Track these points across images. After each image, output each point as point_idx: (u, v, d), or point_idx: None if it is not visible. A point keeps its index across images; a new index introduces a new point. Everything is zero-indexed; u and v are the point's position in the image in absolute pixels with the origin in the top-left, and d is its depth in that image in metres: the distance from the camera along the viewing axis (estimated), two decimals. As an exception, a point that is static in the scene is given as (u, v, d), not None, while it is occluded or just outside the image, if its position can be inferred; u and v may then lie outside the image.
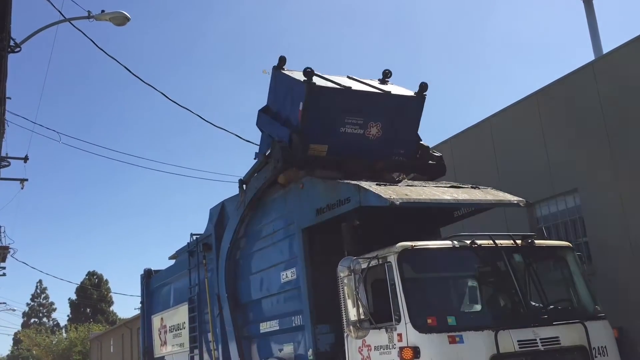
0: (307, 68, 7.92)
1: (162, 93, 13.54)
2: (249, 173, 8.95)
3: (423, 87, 8.53)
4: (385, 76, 9.03)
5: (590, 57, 12.61)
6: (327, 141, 8.08)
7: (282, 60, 8.62)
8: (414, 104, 8.61)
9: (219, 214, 9.68)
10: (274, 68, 8.70)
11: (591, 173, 10.70)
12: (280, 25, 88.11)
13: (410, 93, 8.63)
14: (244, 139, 14.68)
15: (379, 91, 8.48)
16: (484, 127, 12.88)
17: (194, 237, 10.69)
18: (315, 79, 8.02)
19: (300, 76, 8.11)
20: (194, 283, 10.44)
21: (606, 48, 12.51)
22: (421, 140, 8.90)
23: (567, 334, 6.44)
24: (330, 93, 8.03)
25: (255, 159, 9.00)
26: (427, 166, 8.72)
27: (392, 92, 8.54)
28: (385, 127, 8.33)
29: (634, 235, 10.00)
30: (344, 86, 8.25)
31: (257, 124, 9.04)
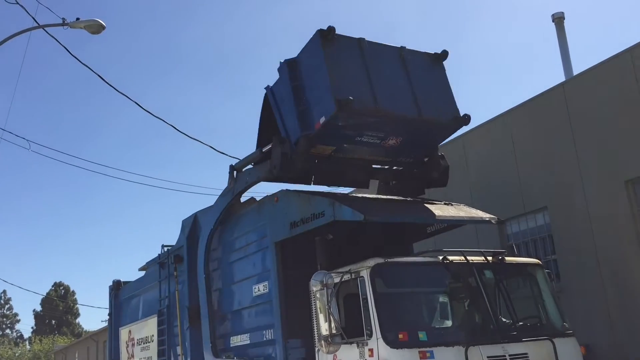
0: (343, 98, 6.79)
1: (135, 102, 13.40)
2: (242, 161, 8.50)
3: (466, 119, 7.76)
4: (443, 57, 8.03)
5: (561, 77, 12.90)
6: (336, 144, 7.63)
7: (331, 31, 7.20)
8: (446, 130, 8.06)
9: (192, 226, 9.61)
10: (320, 34, 7.20)
11: (561, 192, 10.90)
12: (259, 38, 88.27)
13: (448, 117, 7.74)
14: (217, 151, 14.62)
15: (414, 117, 7.50)
16: (457, 144, 13.05)
17: (165, 249, 10.59)
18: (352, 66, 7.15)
19: (350, 44, 7.25)
20: (164, 295, 10.33)
21: (576, 69, 12.85)
22: (438, 151, 8.38)
23: (536, 351, 6.53)
24: (361, 115, 7.18)
25: (265, 88, 8.01)
26: (427, 176, 8.37)
27: (427, 120, 7.62)
28: (405, 141, 7.81)
29: (602, 253, 10.20)
30: (379, 109, 7.19)
31: (278, 70, 7.80)
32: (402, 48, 7.81)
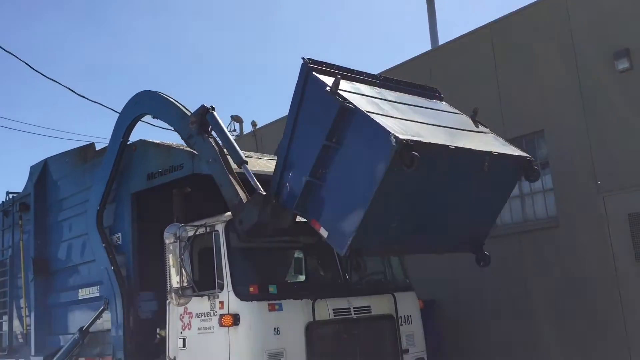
0: (359, 248, 5.71)
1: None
2: (217, 127, 6.91)
3: (484, 260, 6.90)
4: (531, 176, 6.71)
5: (427, 47, 13.76)
6: None
7: (412, 158, 5.20)
8: None
9: (40, 173, 9.32)
10: (400, 152, 5.24)
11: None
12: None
13: (464, 246, 6.90)
14: (77, 94, 13.75)
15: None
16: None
17: (10, 196, 10.20)
18: None
19: (430, 157, 5.39)
20: (7, 245, 10.00)
21: (442, 40, 13.74)
22: None
23: (378, 304, 7.11)
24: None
25: (303, 63, 6.09)
26: None
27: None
28: None
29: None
30: (390, 251, 6.76)
31: (329, 92, 5.73)
32: (490, 155, 6.20)
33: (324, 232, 5.87)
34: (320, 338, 6.52)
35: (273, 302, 6.44)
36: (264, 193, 6.25)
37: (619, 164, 9.36)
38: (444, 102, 7.69)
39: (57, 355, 8.28)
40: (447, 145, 5.81)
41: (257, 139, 14.02)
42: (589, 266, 9.45)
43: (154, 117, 7.89)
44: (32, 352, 8.94)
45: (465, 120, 7.24)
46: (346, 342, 6.73)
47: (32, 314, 9.01)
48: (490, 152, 6.23)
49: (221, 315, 6.39)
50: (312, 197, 5.95)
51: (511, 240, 10.52)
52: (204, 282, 6.65)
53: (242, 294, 6.38)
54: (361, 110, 5.64)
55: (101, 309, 7.82)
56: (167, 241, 6.64)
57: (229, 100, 51.11)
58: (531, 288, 10.16)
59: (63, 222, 8.97)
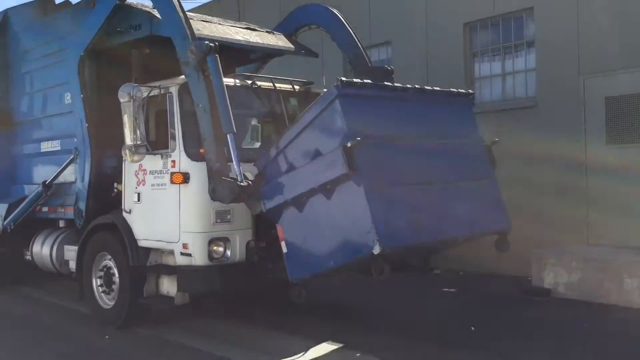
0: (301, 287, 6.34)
1: None
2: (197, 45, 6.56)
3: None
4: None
5: None
6: None
7: None
8: None
9: (1, 23, 9.43)
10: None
11: (405, 29, 11.86)
12: None
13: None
14: None
15: None
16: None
17: None
18: None
19: None
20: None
21: None
22: None
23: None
24: None
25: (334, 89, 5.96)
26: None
27: None
28: None
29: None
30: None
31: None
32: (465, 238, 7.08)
33: (284, 247, 6.18)
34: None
35: None
36: (244, 184, 6.20)
37: (602, 48, 9.42)
38: (472, 110, 7.45)
39: (22, 205, 8.92)
40: (427, 242, 6.20)
41: (239, 4, 13.76)
42: (561, 147, 9.70)
43: (153, 8, 7.52)
44: (-3, 200, 9.53)
45: (479, 156, 7.24)
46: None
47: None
48: (465, 236, 6.80)
49: (172, 173, 6.88)
50: (286, 213, 6.19)
51: (489, 117, 10.71)
52: (159, 142, 7.06)
53: (192, 155, 6.80)
54: (364, 190, 5.54)
55: (70, 158, 8.20)
56: (121, 100, 6.94)
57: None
58: (502, 165, 10.52)
59: (25, 74, 9.21)
